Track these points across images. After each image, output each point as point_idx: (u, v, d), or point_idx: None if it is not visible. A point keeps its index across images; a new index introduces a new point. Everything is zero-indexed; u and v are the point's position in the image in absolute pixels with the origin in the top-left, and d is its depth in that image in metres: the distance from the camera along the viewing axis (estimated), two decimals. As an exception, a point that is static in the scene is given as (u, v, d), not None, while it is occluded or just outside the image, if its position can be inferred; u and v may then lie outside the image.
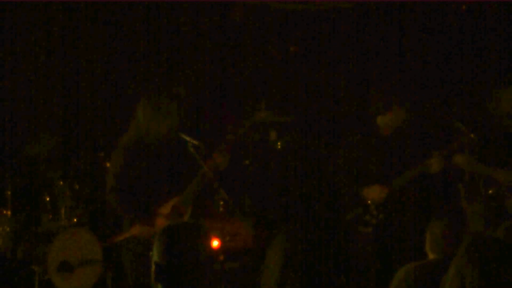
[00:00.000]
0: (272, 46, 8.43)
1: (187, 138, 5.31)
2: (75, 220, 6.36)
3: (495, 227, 3.90)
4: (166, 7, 7.66)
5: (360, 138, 6.21)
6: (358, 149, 6.18)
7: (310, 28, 8.64)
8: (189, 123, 6.85)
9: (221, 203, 6.56)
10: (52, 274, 5.91)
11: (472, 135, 6.02)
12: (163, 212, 5.27)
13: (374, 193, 6.07)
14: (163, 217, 5.24)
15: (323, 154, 7.79)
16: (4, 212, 6.15)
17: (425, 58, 7.87)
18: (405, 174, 6.09)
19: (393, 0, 7.85)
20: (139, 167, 5.34)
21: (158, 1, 7.54)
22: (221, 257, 5.84)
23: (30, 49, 6.92)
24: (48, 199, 6.32)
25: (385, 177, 6.12)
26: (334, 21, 8.52)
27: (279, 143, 7.94)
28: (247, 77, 8.28)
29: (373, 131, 6.19)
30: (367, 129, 6.22)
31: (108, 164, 6.48)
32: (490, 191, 6.17)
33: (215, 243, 5.90)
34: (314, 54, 8.63)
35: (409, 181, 6.12)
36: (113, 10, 7.31)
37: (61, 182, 6.36)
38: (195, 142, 5.27)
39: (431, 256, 3.93)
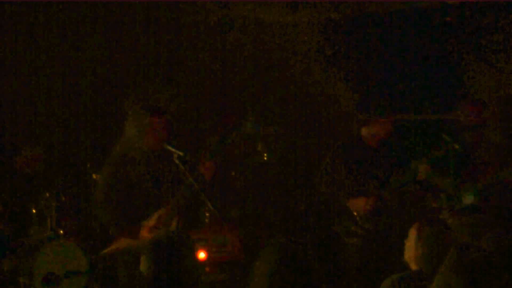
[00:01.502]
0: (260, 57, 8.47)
1: (173, 150, 5.31)
2: (61, 231, 6.34)
3: (479, 237, 3.93)
4: (158, 19, 7.68)
5: (347, 150, 6.24)
6: (344, 161, 6.20)
7: (299, 39, 8.66)
8: (175, 133, 6.86)
9: (208, 214, 6.56)
10: (38, 285, 5.89)
11: (456, 145, 6.08)
12: (149, 224, 5.27)
13: (360, 205, 6.10)
14: (149, 229, 5.24)
15: (310, 166, 7.81)
16: (-9, 223, 6.13)
17: (411, 69, 7.91)
18: (393, 183, 6.12)
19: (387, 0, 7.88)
20: (126, 180, 5.34)
21: (152, 0, 7.54)
22: (208, 269, 5.85)
23: (21, 60, 6.92)
24: (34, 210, 6.30)
25: (372, 188, 6.14)
26: (322, 33, 8.55)
27: (265, 155, 7.95)
28: (234, 89, 8.30)
29: (359, 142, 6.21)
30: (354, 141, 6.25)
31: (95, 176, 6.49)
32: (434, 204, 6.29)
33: (202, 255, 5.90)
34: (301, 66, 8.66)
35: (398, 189, 6.16)
36: (104, 19, 7.32)
37: (48, 194, 6.34)
38: (181, 153, 5.27)
39: (414, 267, 3.94)
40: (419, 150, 6.57)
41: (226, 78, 8.26)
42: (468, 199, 6.21)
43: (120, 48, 7.44)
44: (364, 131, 6.20)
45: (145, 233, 5.23)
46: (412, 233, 3.97)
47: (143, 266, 3.65)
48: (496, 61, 7.38)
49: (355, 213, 6.11)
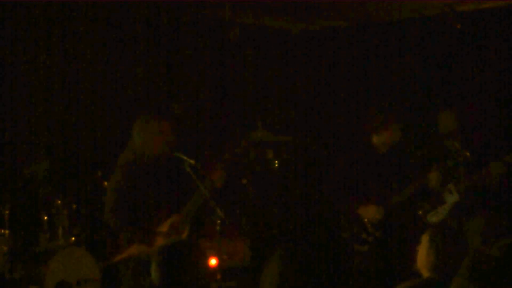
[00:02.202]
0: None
1: (184, 157, 5.32)
2: (72, 239, 6.36)
3: (491, 243, 3.92)
4: (165, 24, 7.69)
5: (357, 157, 6.24)
6: (354, 168, 6.20)
7: (307, 47, 8.68)
8: (186, 141, 6.87)
9: (218, 222, 6.56)
10: (50, 293, 5.92)
11: (467, 153, 6.09)
12: (161, 231, 5.27)
13: (370, 213, 6.10)
14: (161, 236, 5.24)
15: (320, 173, 7.81)
16: (2, 231, 6.14)
17: (420, 76, 7.90)
18: (403, 191, 6.12)
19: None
20: (136, 187, 5.35)
21: (158, 0, 7.56)
22: (219, 276, 5.85)
23: (27, 66, 6.94)
24: (46, 218, 6.32)
25: (382, 195, 6.14)
26: (329, 41, 8.56)
27: (276, 162, 7.96)
28: (244, 97, 8.31)
29: (369, 149, 6.21)
30: (363, 148, 6.25)
31: (105, 183, 6.50)
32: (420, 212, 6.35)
33: (213, 262, 5.91)
34: (310, 74, 8.66)
35: (408, 198, 6.15)
36: (110, 26, 7.33)
37: (59, 202, 6.36)
38: (192, 161, 5.28)
39: (426, 274, 3.92)
40: (428, 157, 6.57)
41: (234, 86, 8.27)
42: (451, 198, 6.28)
43: (125, 49, 7.45)
44: (374, 138, 6.20)
45: (157, 240, 5.23)
46: (424, 240, 3.95)
47: (153, 273, 3.65)
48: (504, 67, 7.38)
49: (365, 221, 6.11)
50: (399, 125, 6.20)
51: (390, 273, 6.01)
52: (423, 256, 3.93)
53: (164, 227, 5.28)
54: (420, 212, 6.38)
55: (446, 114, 6.70)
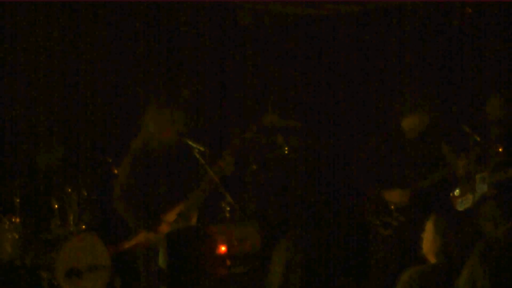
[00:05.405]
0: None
1: (193, 144, 5.31)
2: (83, 226, 6.39)
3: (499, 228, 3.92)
4: (172, 9, 7.68)
5: (385, 140, 6.23)
6: (381, 152, 6.19)
7: (323, 32, 8.63)
8: (195, 127, 6.87)
9: (227, 208, 6.57)
10: (61, 279, 5.95)
11: (478, 138, 6.08)
12: (169, 218, 5.27)
13: (396, 196, 6.10)
14: (169, 223, 5.24)
15: (329, 158, 7.80)
16: (13, 218, 6.18)
17: (444, 60, 7.85)
18: (430, 176, 6.12)
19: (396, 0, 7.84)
20: (145, 174, 5.34)
21: (164, 1, 7.55)
22: (228, 262, 5.87)
23: (36, 57, 6.95)
24: (56, 205, 6.35)
25: (408, 180, 6.13)
26: (348, 25, 8.51)
27: (286, 148, 7.94)
28: (255, 82, 8.30)
29: (397, 133, 6.20)
30: (391, 131, 6.24)
31: (116, 171, 6.52)
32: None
33: (223, 249, 5.93)
34: (325, 58, 8.62)
35: (434, 184, 6.15)
36: (116, 12, 7.33)
37: (70, 189, 6.39)
38: (201, 147, 5.27)
39: (432, 259, 3.92)
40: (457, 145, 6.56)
41: (245, 71, 8.25)
42: (482, 188, 6.26)
43: (135, 35, 7.45)
44: (404, 122, 6.18)
45: (165, 228, 5.23)
46: (429, 226, 3.95)
47: (161, 259, 3.68)
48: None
49: (391, 206, 6.12)
50: (429, 110, 6.18)
51: (414, 257, 6.00)
52: (428, 242, 3.93)
53: (171, 216, 5.27)
54: (457, 197, 6.38)
55: (495, 100, 6.66)
